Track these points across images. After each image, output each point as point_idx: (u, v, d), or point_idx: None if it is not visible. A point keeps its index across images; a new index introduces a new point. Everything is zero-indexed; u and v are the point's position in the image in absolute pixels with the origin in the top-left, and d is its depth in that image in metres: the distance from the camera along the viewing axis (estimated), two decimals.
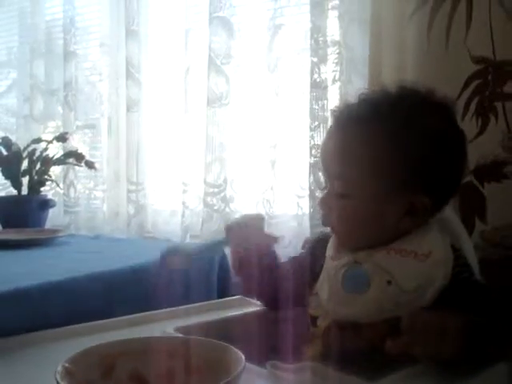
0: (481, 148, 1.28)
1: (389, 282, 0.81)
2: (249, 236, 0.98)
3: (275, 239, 1.03)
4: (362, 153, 0.84)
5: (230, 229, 1.00)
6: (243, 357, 0.56)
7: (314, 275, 0.92)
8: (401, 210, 0.84)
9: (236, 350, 0.58)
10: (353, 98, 0.89)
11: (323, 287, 0.89)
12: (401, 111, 0.84)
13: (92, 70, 2.20)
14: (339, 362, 0.79)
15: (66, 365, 0.57)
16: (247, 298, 1.14)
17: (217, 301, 1.21)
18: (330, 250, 0.92)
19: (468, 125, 1.28)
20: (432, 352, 0.70)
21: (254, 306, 1.11)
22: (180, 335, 0.79)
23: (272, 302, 0.99)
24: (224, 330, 0.98)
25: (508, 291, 1.05)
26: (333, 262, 0.89)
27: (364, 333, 0.81)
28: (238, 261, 0.99)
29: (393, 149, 0.82)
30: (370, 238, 0.86)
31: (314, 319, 0.90)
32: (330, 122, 1.36)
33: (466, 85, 1.29)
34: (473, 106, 1.29)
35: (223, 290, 1.52)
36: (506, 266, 1.23)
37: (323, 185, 0.93)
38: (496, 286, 0.88)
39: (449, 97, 0.89)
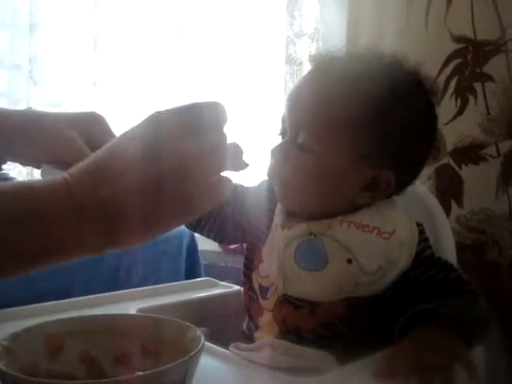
0: (459, 129, 1.25)
1: (349, 261, 0.72)
2: None
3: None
4: (338, 110, 0.74)
5: None
6: (202, 336, 0.51)
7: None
8: (363, 181, 0.75)
9: (196, 328, 0.53)
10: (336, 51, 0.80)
11: (271, 259, 0.79)
12: (385, 84, 0.75)
13: (59, 44, 2.11)
14: (294, 341, 0.73)
15: (5, 343, 0.50)
16: (215, 280, 1.09)
17: (183, 282, 1.16)
18: (278, 217, 0.81)
19: (447, 105, 1.25)
20: None
21: (221, 287, 1.06)
22: (136, 314, 0.74)
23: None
24: (190, 312, 0.93)
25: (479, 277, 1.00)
26: (282, 231, 0.78)
27: (319, 311, 0.74)
28: None
29: (371, 117, 0.74)
30: (325, 202, 0.76)
31: (263, 288, 0.80)
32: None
33: (446, 64, 1.26)
34: (452, 86, 1.25)
35: (191, 274, 1.49)
36: (480, 251, 1.20)
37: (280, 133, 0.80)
38: (469, 271, 0.83)
39: (431, 78, 0.82)
